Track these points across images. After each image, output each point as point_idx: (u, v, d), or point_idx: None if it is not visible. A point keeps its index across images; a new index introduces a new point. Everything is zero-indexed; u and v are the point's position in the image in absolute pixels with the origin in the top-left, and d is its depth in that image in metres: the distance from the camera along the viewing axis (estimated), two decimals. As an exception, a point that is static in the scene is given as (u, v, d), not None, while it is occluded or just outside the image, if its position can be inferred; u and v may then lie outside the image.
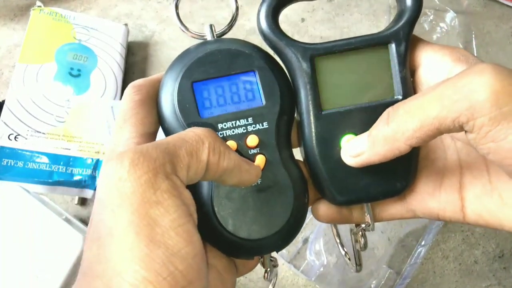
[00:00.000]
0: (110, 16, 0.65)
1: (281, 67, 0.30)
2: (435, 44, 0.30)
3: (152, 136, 0.28)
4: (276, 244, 0.28)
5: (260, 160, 0.28)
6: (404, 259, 0.51)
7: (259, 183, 0.28)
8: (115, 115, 0.28)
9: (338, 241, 0.34)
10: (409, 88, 0.29)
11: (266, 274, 0.31)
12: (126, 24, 0.61)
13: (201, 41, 0.30)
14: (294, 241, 0.51)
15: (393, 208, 0.31)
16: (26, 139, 0.51)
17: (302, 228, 0.53)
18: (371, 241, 0.52)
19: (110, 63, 0.57)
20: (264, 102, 0.29)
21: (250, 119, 0.28)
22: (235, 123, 0.28)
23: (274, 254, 0.31)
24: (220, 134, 0.28)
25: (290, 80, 0.30)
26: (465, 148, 0.30)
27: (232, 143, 0.28)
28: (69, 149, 0.52)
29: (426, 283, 0.51)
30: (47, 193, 0.52)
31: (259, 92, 0.29)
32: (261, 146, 0.28)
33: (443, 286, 0.51)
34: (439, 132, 0.23)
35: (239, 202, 0.27)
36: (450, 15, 0.62)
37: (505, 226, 0.27)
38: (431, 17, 0.62)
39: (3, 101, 0.52)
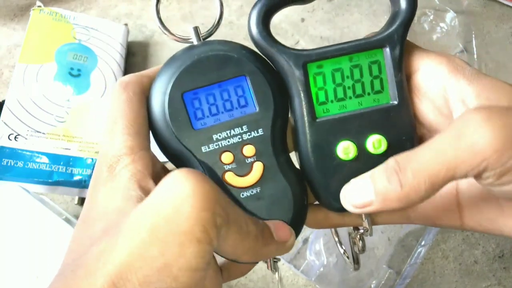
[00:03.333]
0: (110, 16, 0.65)
1: (272, 69, 0.30)
2: (431, 51, 0.29)
3: (145, 136, 0.28)
4: None
5: (258, 168, 0.28)
6: (404, 259, 0.51)
7: (258, 191, 0.28)
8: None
9: (336, 239, 0.34)
10: (405, 93, 0.29)
11: (272, 271, 0.31)
12: (126, 24, 0.61)
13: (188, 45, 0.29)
14: (294, 241, 0.52)
15: (390, 214, 0.31)
16: (26, 139, 0.51)
17: (303, 228, 0.53)
18: (371, 241, 0.52)
19: (110, 63, 0.57)
20: (257, 108, 0.28)
21: (244, 127, 0.28)
22: (230, 132, 0.28)
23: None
24: (216, 145, 0.28)
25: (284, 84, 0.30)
26: None
27: (228, 155, 0.28)
28: (69, 149, 0.52)
29: (426, 283, 0.51)
30: (47, 193, 0.52)
31: (252, 97, 0.28)
32: (258, 154, 0.28)
33: (443, 286, 0.51)
34: (448, 182, 0.24)
35: None
36: (450, 15, 0.62)
37: (505, 232, 0.27)
38: (431, 17, 0.62)
39: (3, 101, 0.52)
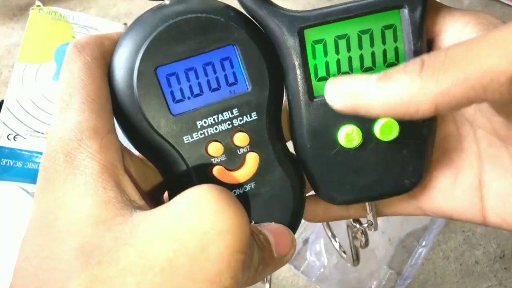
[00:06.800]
0: (109, 16, 0.65)
1: (267, 36, 0.24)
2: (454, 9, 0.23)
3: (110, 114, 0.22)
4: None
5: (252, 159, 0.24)
6: (404, 259, 0.51)
7: (253, 187, 0.24)
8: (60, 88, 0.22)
9: (329, 233, 0.31)
10: None
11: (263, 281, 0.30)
12: (125, 24, 0.61)
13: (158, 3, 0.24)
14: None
15: (399, 205, 0.28)
16: (25, 139, 0.51)
17: (303, 228, 0.53)
18: (371, 241, 0.52)
19: (110, 63, 0.57)
20: (249, 86, 0.23)
21: (235, 111, 0.23)
22: (218, 117, 0.23)
23: None
24: (201, 133, 0.23)
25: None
26: (487, 138, 0.25)
27: (216, 146, 0.23)
28: (68, 149, 0.52)
29: (427, 283, 0.51)
30: (46, 193, 0.52)
31: (243, 73, 0.23)
32: (252, 143, 0.24)
33: (444, 287, 0.51)
34: (479, 97, 0.17)
35: None
36: (450, 15, 0.62)
37: None
38: (432, 17, 0.62)
39: (2, 101, 0.52)
